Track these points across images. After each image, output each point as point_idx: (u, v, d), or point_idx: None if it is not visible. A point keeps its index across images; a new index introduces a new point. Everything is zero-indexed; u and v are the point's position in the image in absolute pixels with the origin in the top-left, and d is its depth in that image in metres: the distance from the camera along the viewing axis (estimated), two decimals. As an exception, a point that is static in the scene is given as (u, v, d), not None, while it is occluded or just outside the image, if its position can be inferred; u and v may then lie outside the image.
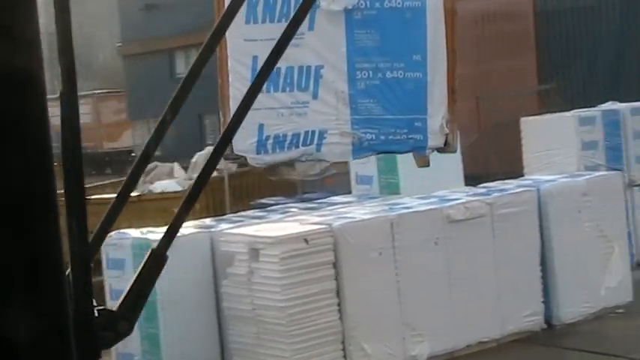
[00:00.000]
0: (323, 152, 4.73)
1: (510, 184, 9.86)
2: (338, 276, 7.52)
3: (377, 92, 4.64)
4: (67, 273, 1.48)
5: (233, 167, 14.54)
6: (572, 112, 12.31)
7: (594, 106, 12.62)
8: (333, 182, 13.67)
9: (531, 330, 9.16)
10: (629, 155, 12.06)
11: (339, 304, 7.56)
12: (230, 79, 4.59)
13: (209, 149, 12.53)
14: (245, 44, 4.55)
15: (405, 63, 4.63)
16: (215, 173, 10.33)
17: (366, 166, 10.28)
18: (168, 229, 1.86)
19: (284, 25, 4.59)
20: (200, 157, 16.10)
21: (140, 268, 1.78)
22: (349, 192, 10.90)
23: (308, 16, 4.44)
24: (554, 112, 13.37)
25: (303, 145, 4.70)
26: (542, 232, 9.36)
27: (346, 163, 9.79)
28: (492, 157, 16.46)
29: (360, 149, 4.72)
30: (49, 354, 1.38)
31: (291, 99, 4.67)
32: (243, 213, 10.23)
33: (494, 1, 20.08)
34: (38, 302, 1.36)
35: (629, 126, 12.31)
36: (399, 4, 4.59)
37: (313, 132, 4.68)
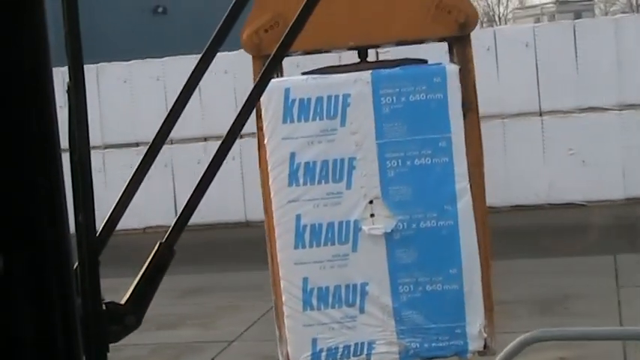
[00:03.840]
0: None
1: None
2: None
3: (419, 304, 4.92)
4: (74, 267, 1.46)
5: None
6: None
7: None
8: None
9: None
10: None
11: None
12: (271, 179, 4.85)
13: None
14: (282, 142, 4.80)
15: (442, 277, 4.89)
16: None
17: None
18: (176, 221, 1.79)
19: (318, 122, 4.77)
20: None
21: (148, 260, 1.74)
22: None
23: (351, 239, 4.84)
24: None
25: (354, 356, 4.96)
26: None
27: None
28: None
29: (406, 357, 4.97)
30: (56, 348, 1.37)
31: (341, 314, 4.92)
32: None
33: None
34: (44, 296, 1.36)
35: None
36: (433, 224, 4.84)
37: (362, 343, 4.95)
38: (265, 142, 4.83)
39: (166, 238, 1.78)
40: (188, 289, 12.23)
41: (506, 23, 77.18)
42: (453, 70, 4.83)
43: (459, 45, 4.99)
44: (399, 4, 4.96)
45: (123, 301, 1.69)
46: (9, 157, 1.33)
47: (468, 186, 4.83)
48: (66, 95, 1.51)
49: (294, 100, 4.77)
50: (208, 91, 16.69)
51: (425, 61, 5.18)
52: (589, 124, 16.02)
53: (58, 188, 1.38)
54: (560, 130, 16.07)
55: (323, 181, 4.81)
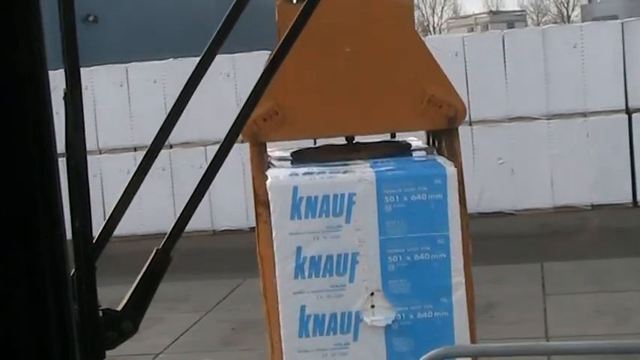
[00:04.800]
0: None
1: None
2: None
3: None
4: (71, 273, 1.45)
5: None
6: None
7: None
8: None
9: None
10: None
11: None
12: (277, 271, 5.02)
13: None
14: (290, 237, 4.99)
15: None
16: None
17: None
18: (172, 229, 1.81)
19: (324, 219, 5.01)
20: None
21: (145, 267, 1.76)
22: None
23: (352, 329, 5.04)
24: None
25: None
26: None
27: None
28: None
29: None
30: (53, 354, 1.37)
31: None
32: None
33: None
34: (41, 303, 1.35)
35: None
36: (430, 315, 5.04)
37: None
38: (273, 236, 5.04)
39: (163, 245, 1.79)
40: (114, 300, 12.06)
41: (440, 33, 77.84)
42: (452, 172, 5.05)
43: (448, 137, 5.25)
44: (391, 96, 5.21)
45: (120, 308, 1.71)
46: (6, 163, 1.32)
47: (463, 280, 5.06)
48: (61, 101, 1.52)
49: (301, 198, 5.00)
50: (138, 100, 16.56)
51: (409, 145, 5.51)
52: (518, 133, 16.17)
53: (54, 195, 1.38)
54: (489, 140, 16.18)
55: (327, 274, 5.04)
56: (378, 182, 5.03)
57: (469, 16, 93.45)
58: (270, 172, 5.11)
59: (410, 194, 5.03)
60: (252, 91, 1.92)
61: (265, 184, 5.05)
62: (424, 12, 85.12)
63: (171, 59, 16.63)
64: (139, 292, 1.74)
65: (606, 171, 16.04)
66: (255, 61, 15.88)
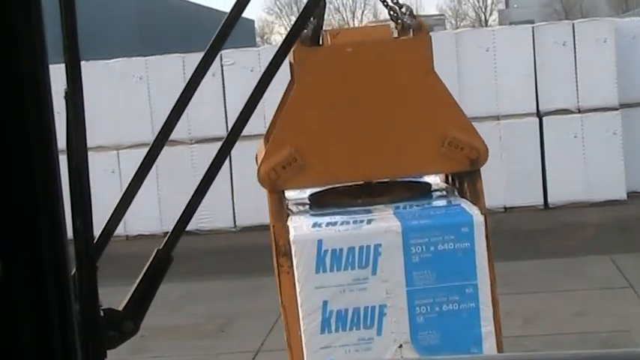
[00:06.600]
0: None
1: None
2: None
3: None
4: (72, 273, 1.45)
5: None
6: None
7: None
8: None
9: None
10: None
11: None
12: (303, 326, 4.90)
13: None
14: (315, 291, 4.86)
15: None
16: None
17: None
18: (173, 229, 1.80)
19: (350, 272, 4.88)
20: None
21: (146, 267, 1.75)
22: None
23: None
24: None
25: None
26: None
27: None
28: None
29: None
30: (54, 354, 1.37)
31: None
32: None
33: None
34: (42, 303, 1.35)
35: None
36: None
37: None
38: (298, 290, 4.91)
39: (164, 245, 1.77)
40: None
41: (360, 36, 78.15)
42: (479, 220, 4.93)
43: (470, 179, 5.15)
44: (412, 140, 5.13)
45: (121, 307, 1.71)
46: (6, 163, 1.32)
47: (493, 329, 4.93)
48: (61, 100, 1.50)
49: (326, 251, 4.87)
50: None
51: (429, 186, 5.45)
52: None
53: (55, 194, 1.37)
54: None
55: (354, 328, 4.90)
56: (405, 232, 4.90)
57: (389, 19, 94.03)
58: (291, 223, 4.98)
59: (437, 244, 4.91)
60: (253, 91, 1.90)
61: (286, 234, 4.92)
62: (344, 16, 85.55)
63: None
64: (140, 292, 1.74)
65: (518, 174, 16.22)
66: (170, 64, 15.76)
